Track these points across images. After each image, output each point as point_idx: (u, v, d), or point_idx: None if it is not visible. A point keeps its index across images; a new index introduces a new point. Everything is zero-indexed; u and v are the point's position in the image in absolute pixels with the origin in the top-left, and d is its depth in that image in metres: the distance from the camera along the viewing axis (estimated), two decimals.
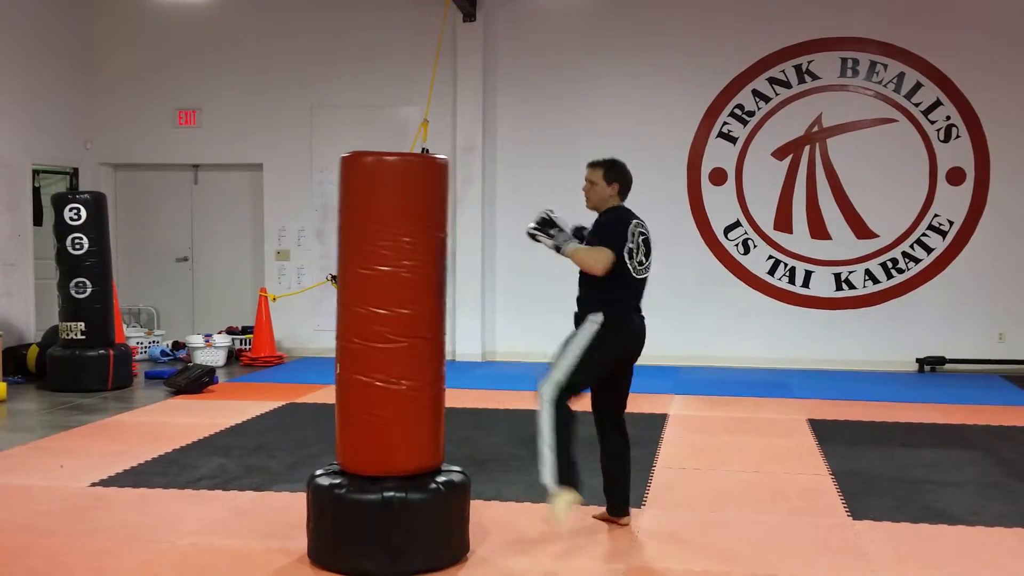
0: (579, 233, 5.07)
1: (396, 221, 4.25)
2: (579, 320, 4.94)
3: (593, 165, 5.08)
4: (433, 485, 4.41)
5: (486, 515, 5.19)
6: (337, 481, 4.42)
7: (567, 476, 4.71)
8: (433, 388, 4.43)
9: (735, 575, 4.43)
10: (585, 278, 4.94)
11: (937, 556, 4.71)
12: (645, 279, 5.00)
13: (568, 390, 4.83)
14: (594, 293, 4.91)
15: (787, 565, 4.55)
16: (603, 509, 5.19)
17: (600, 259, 4.81)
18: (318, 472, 4.57)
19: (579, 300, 5.01)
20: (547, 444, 4.75)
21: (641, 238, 4.95)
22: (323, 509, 4.42)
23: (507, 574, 4.42)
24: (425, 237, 4.31)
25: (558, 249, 4.91)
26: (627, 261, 4.86)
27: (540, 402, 4.82)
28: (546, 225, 4.94)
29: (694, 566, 4.54)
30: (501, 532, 4.96)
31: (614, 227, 4.91)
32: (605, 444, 5.12)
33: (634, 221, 4.96)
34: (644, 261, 4.96)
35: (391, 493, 4.30)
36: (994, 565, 4.59)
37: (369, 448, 4.38)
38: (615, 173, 5.04)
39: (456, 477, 4.56)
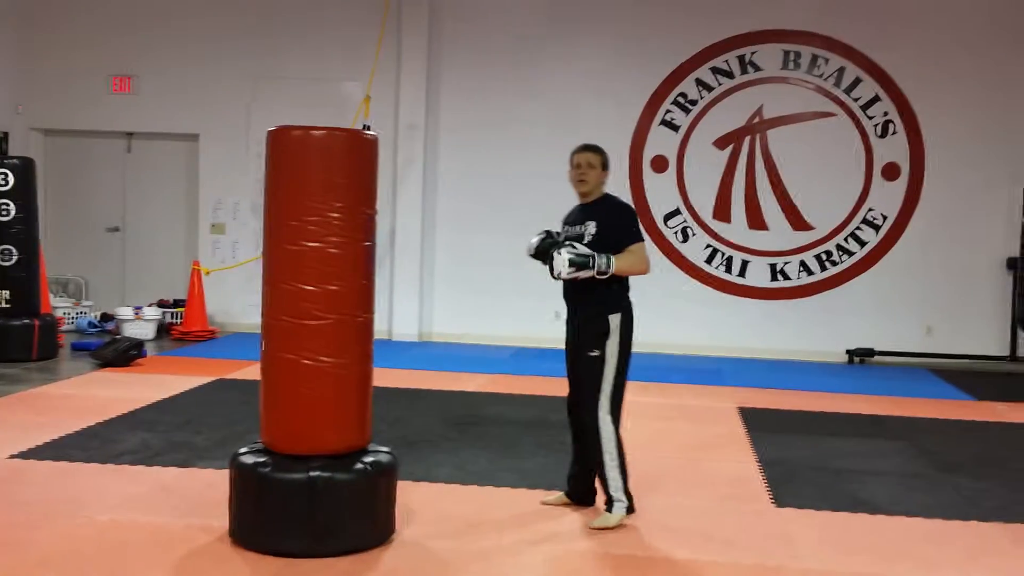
0: (554, 237, 4.95)
1: (324, 197, 4.18)
2: (594, 319, 4.80)
3: (590, 149, 4.95)
4: (359, 465, 4.37)
5: (414, 496, 5.16)
6: (261, 460, 4.35)
7: (629, 490, 4.87)
8: (361, 366, 4.38)
9: (656, 559, 4.45)
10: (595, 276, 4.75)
11: (857, 543, 4.78)
12: None
13: (619, 402, 4.86)
14: (610, 290, 4.79)
15: (710, 550, 4.58)
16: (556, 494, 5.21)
17: (645, 258, 4.84)
18: (242, 450, 4.50)
19: (589, 299, 4.81)
20: (615, 464, 4.80)
21: None
22: (246, 488, 4.36)
23: (432, 556, 4.39)
24: (353, 213, 4.25)
25: (602, 274, 4.70)
26: None
27: (599, 424, 4.78)
28: (578, 260, 4.68)
29: (617, 550, 4.55)
30: (428, 514, 4.93)
31: (632, 216, 4.93)
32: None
33: None
34: None
35: (316, 473, 4.25)
36: (912, 554, 4.67)
37: (294, 427, 4.32)
38: (607, 160, 4.98)
39: (383, 458, 4.51)
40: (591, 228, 4.82)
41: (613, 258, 4.72)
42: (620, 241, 4.78)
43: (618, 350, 4.81)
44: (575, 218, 4.99)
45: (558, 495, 5.17)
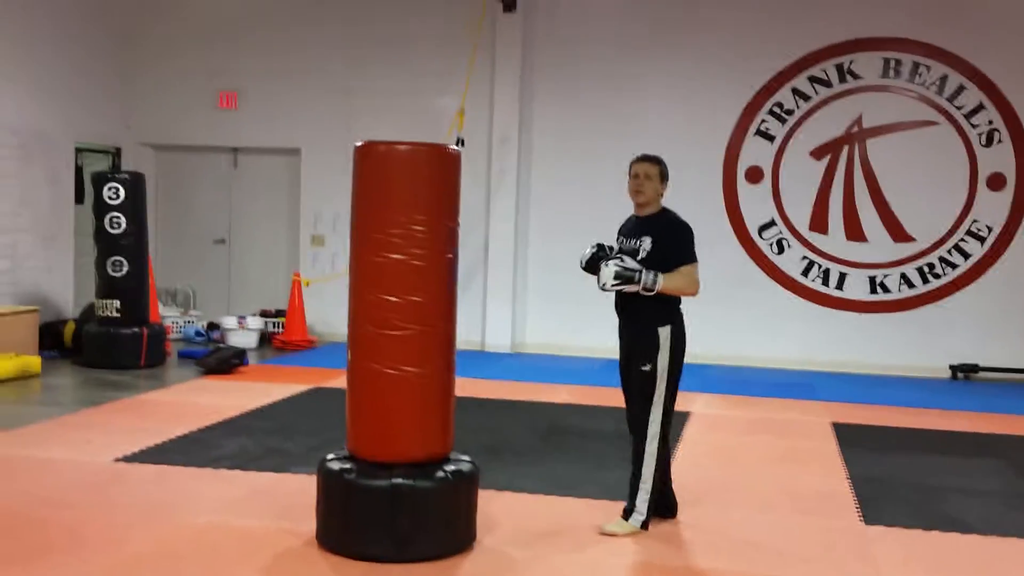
0: (606, 251, 4.98)
1: (408, 210, 4.29)
2: (644, 332, 4.83)
3: (649, 160, 4.93)
4: (441, 474, 4.45)
5: (497, 505, 5.23)
6: (347, 466, 4.48)
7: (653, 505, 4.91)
8: (443, 376, 4.46)
9: (734, 574, 4.42)
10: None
11: (945, 564, 4.67)
12: None
13: (670, 416, 4.90)
14: (659, 302, 4.79)
15: (790, 566, 4.54)
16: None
17: (695, 280, 4.81)
18: (329, 457, 4.63)
19: (639, 311, 4.84)
20: (650, 471, 4.85)
21: None
22: (332, 494, 4.49)
23: (511, 565, 4.45)
24: (437, 226, 4.35)
25: (648, 290, 4.72)
26: None
27: (647, 441, 4.84)
28: (624, 275, 4.72)
29: (698, 564, 4.54)
30: (510, 523, 4.99)
31: (689, 235, 4.84)
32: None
33: None
34: None
35: (399, 480, 4.35)
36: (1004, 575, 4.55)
37: (378, 435, 4.43)
38: (667, 171, 4.97)
39: (465, 466, 4.59)
40: (646, 244, 4.82)
41: (661, 276, 4.71)
42: (673, 260, 4.77)
43: (668, 363, 4.82)
44: (631, 231, 4.98)
45: None
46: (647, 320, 4.83)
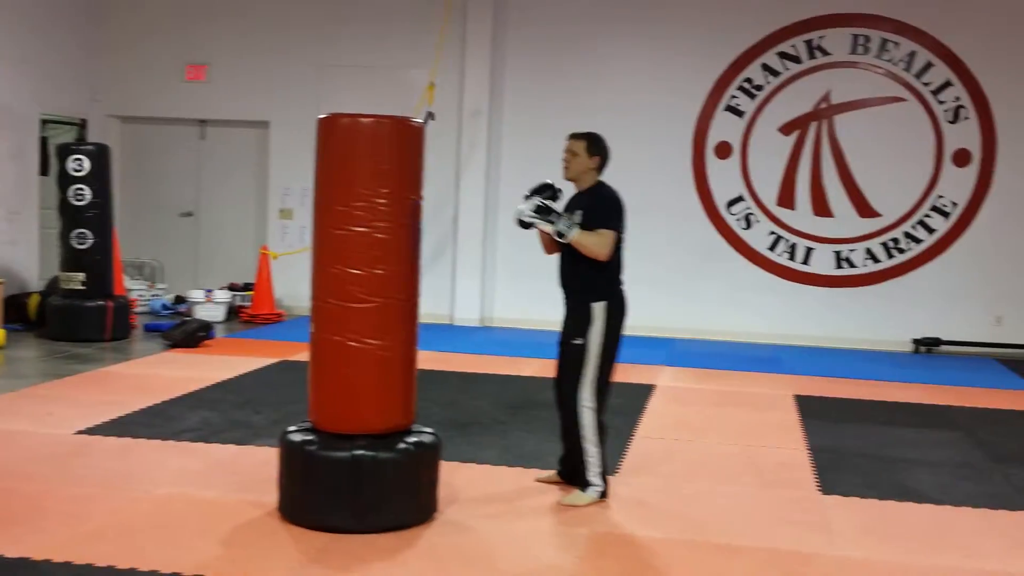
0: (553, 191, 5.07)
1: (371, 183, 4.29)
2: (578, 307, 4.93)
3: (576, 136, 5.09)
4: (402, 445, 4.47)
5: (460, 476, 5.26)
6: (308, 438, 4.49)
7: (606, 473, 4.99)
8: (405, 348, 4.48)
9: (696, 543, 4.48)
10: (581, 262, 4.90)
11: (899, 532, 4.75)
12: None
13: (604, 389, 4.96)
14: (594, 277, 4.90)
15: (748, 535, 4.60)
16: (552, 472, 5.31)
17: (607, 244, 4.86)
18: (291, 428, 4.64)
19: (574, 286, 4.97)
20: (593, 444, 4.92)
21: None
22: (294, 465, 4.51)
23: (471, 534, 4.48)
24: (400, 199, 4.35)
25: (560, 235, 4.85)
26: (622, 239, 4.98)
27: (579, 412, 4.91)
28: (543, 211, 4.87)
29: (657, 533, 4.59)
30: (472, 494, 5.02)
31: (614, 206, 4.96)
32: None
33: None
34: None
35: (360, 451, 4.37)
36: (955, 543, 4.63)
37: (340, 406, 4.45)
38: (597, 147, 5.07)
39: (426, 438, 4.62)
40: (577, 217, 4.95)
41: (577, 228, 4.83)
42: (595, 225, 4.88)
43: (601, 338, 4.90)
44: (570, 205, 5.10)
45: (550, 473, 5.29)
46: (582, 294, 4.94)
